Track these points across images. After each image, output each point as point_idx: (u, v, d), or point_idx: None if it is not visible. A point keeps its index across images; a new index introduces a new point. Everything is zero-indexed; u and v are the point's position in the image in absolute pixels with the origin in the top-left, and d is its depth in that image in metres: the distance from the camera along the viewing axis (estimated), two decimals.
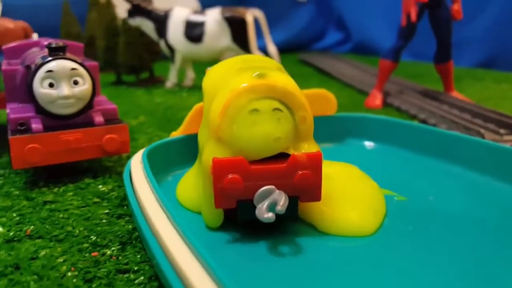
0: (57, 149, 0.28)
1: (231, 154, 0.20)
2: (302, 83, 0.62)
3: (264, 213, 0.19)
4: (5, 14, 0.69)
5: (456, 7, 0.50)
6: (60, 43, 0.29)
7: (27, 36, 0.56)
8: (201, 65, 0.71)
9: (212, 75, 0.25)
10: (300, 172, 0.20)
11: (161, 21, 0.65)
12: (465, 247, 0.20)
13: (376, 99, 0.53)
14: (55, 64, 0.27)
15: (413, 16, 0.49)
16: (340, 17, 1.21)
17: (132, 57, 0.67)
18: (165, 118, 0.48)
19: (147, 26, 0.66)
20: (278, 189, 0.20)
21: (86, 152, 0.29)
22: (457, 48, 0.90)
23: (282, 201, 0.19)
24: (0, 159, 0.34)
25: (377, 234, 0.22)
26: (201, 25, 0.64)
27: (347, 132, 0.37)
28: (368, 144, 0.37)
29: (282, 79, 0.21)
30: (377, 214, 0.23)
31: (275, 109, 0.21)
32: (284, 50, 1.13)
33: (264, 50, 0.68)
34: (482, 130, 0.37)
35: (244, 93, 0.20)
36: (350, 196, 0.24)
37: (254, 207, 0.20)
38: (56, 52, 0.28)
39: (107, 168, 0.32)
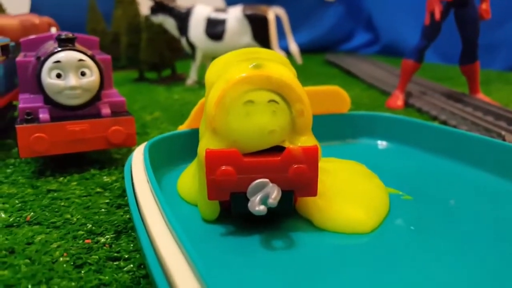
0: (63, 139, 0.28)
1: (226, 146, 0.20)
2: (326, 83, 0.61)
3: (256, 206, 0.19)
4: (34, 10, 0.72)
5: (485, 6, 0.48)
6: (70, 34, 0.29)
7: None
8: None
9: (214, 66, 0.24)
10: (295, 166, 0.20)
11: (183, 18, 0.66)
12: (468, 249, 0.19)
13: (398, 99, 0.51)
14: (63, 55, 0.28)
15: (437, 15, 0.47)
16: (369, 18, 1.19)
17: (154, 54, 0.68)
18: (180, 113, 0.48)
19: (169, 23, 0.67)
20: (273, 182, 0.20)
21: (92, 143, 0.29)
22: (488, 51, 0.87)
23: (274, 194, 0.19)
24: (14, 149, 0.34)
25: (376, 232, 0.21)
26: (222, 22, 0.64)
27: (360, 130, 0.36)
28: (381, 143, 0.36)
29: (279, 71, 0.21)
30: (378, 212, 0.22)
31: (271, 100, 0.20)
32: (311, 50, 1.12)
33: (286, 49, 0.67)
34: (503, 132, 0.35)
35: (239, 84, 0.20)
36: (350, 193, 0.23)
37: (248, 200, 0.19)
38: (65, 43, 0.29)
39: (115, 160, 0.32)
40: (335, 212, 0.22)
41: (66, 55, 0.28)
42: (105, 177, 0.29)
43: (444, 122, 0.43)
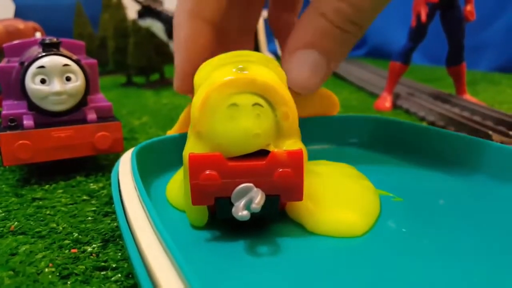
0: (48, 146, 0.27)
1: (210, 149, 0.20)
2: None
3: (239, 211, 0.18)
4: (19, 15, 0.71)
5: (469, 8, 0.49)
6: (54, 39, 0.28)
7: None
8: None
9: (202, 70, 0.24)
10: (280, 170, 0.19)
11: (171, 22, 0.65)
12: (460, 250, 0.19)
13: (386, 101, 0.52)
14: (47, 60, 0.27)
15: (423, 17, 0.47)
16: None
17: (141, 58, 0.68)
18: (169, 118, 0.47)
19: (157, 27, 0.67)
20: (257, 187, 0.19)
21: (78, 150, 0.28)
22: (474, 52, 0.88)
23: (257, 199, 0.18)
24: None
25: (368, 235, 0.21)
26: None
27: (350, 132, 0.36)
28: (370, 145, 0.35)
29: (264, 74, 0.20)
30: (369, 215, 0.22)
31: (255, 104, 0.20)
32: None
33: (275, 53, 0.68)
34: (490, 132, 0.35)
35: (223, 87, 0.20)
36: (341, 195, 0.23)
37: (232, 205, 0.19)
38: (49, 48, 0.28)
39: (102, 166, 0.32)
40: (326, 216, 0.21)
41: (51, 60, 0.27)
42: (91, 184, 0.28)
43: (432, 123, 0.43)
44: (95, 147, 0.29)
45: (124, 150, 0.31)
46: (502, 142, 0.34)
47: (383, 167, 0.31)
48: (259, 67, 0.21)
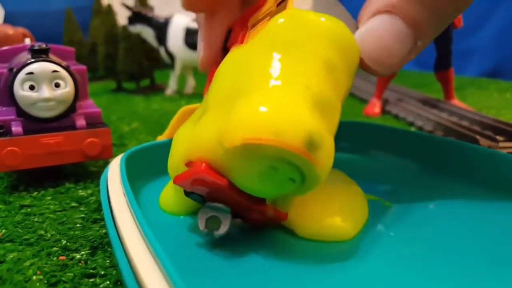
0: (36, 152, 0.27)
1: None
2: None
3: (202, 225, 0.19)
4: (9, 21, 0.70)
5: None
6: (43, 45, 0.28)
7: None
8: (202, 73, 0.71)
9: (240, 55, 0.21)
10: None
11: (161, 28, 0.66)
12: (447, 255, 0.19)
13: (375, 107, 0.52)
14: (36, 66, 0.27)
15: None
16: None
17: (132, 64, 0.68)
18: (159, 124, 0.47)
19: (147, 33, 0.66)
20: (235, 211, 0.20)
21: (67, 156, 0.28)
22: (462, 58, 0.89)
23: (221, 229, 0.19)
24: None
25: (356, 240, 0.21)
26: None
27: (339, 138, 0.36)
28: (360, 150, 0.36)
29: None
30: (357, 219, 0.22)
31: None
32: None
33: None
34: (477, 137, 0.36)
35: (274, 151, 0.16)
36: (330, 200, 0.23)
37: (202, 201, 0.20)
38: (38, 54, 0.28)
39: (91, 173, 0.31)
40: (315, 220, 0.22)
41: (40, 66, 0.27)
42: (80, 190, 0.28)
43: (421, 128, 0.44)
44: (84, 153, 0.28)
45: (113, 156, 0.31)
46: (489, 147, 0.35)
47: (372, 172, 0.31)
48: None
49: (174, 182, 0.20)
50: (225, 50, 0.25)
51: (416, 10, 0.19)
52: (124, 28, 0.67)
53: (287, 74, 0.18)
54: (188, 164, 0.20)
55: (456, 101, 0.53)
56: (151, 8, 0.69)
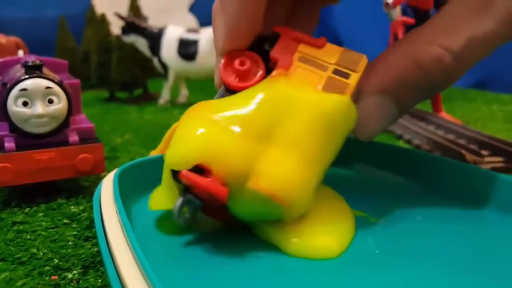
0: (29, 168, 0.28)
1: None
2: None
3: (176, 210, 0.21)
4: (1, 29, 0.70)
5: None
6: (37, 61, 0.29)
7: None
8: (195, 83, 0.72)
9: (288, 98, 0.22)
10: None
11: (154, 38, 0.66)
12: (433, 273, 0.20)
13: None
14: (30, 83, 0.28)
15: (400, 36, 0.49)
16: (336, 36, 1.22)
17: (125, 74, 0.68)
18: (152, 135, 0.48)
19: (141, 43, 0.67)
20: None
21: (59, 172, 0.29)
22: None
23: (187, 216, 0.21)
24: None
25: (342, 257, 0.21)
26: (194, 43, 0.64)
27: None
28: (348, 164, 0.36)
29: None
30: (343, 237, 0.23)
31: None
32: None
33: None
34: (463, 151, 0.37)
35: None
36: (316, 217, 0.24)
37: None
38: (32, 70, 0.28)
39: (83, 188, 0.32)
40: (301, 238, 0.22)
41: (33, 83, 0.28)
42: (72, 206, 0.28)
43: (409, 141, 0.45)
44: (77, 169, 0.29)
45: (106, 169, 0.31)
46: (475, 162, 0.35)
47: (360, 186, 0.32)
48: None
49: (181, 176, 0.20)
50: (261, 51, 0.24)
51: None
52: (118, 37, 0.68)
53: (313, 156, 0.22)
54: (201, 167, 0.20)
55: (443, 114, 0.54)
56: (144, 18, 0.69)
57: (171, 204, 0.22)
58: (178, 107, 0.66)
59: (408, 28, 0.50)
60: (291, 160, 0.21)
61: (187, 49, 0.64)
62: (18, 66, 0.34)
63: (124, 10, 0.73)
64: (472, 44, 0.21)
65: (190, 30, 0.66)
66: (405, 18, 0.48)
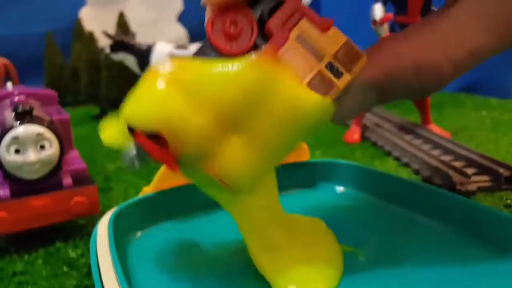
0: (25, 215, 0.28)
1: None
2: None
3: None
4: None
5: None
6: (27, 106, 0.29)
7: (8, 73, 0.57)
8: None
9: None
10: None
11: (143, 55, 0.66)
12: None
13: (355, 133, 0.54)
14: (21, 131, 0.28)
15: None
16: None
17: (115, 92, 0.68)
18: None
19: (130, 61, 0.67)
20: None
21: (55, 216, 0.29)
22: None
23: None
24: None
25: None
26: None
27: (320, 176, 0.38)
28: (339, 188, 0.37)
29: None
30: (331, 279, 0.23)
31: None
32: None
33: None
34: (450, 173, 0.37)
35: None
36: (305, 259, 0.24)
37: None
38: (22, 116, 0.29)
39: (79, 227, 0.32)
40: (290, 280, 0.23)
41: (25, 131, 0.28)
42: (70, 250, 0.29)
43: (398, 158, 0.46)
44: (72, 212, 0.29)
45: (100, 207, 0.31)
46: (461, 183, 0.36)
47: (348, 214, 0.33)
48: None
49: (136, 138, 0.20)
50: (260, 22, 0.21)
51: (391, 90, 0.22)
52: (107, 56, 0.68)
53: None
54: (158, 134, 0.19)
55: (432, 126, 0.54)
56: (133, 35, 0.69)
57: (123, 140, 0.22)
58: None
59: None
60: (251, 154, 0.21)
61: None
62: (7, 103, 0.34)
63: (111, 24, 0.73)
64: (472, 56, 0.21)
65: (179, 46, 0.67)
66: None
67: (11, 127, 0.28)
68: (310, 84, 0.20)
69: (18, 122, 0.28)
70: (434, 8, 0.53)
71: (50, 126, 0.30)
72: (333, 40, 0.21)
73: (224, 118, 0.20)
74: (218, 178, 0.21)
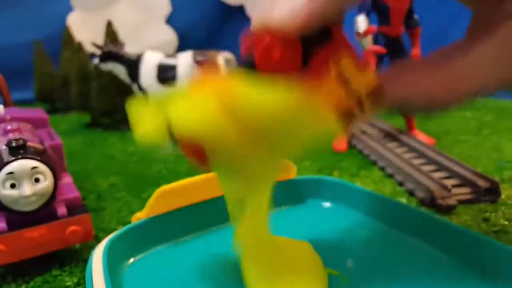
0: (22, 246, 0.29)
1: None
2: None
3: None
4: None
5: (415, 51, 0.53)
6: (20, 141, 0.30)
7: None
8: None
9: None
10: None
11: (133, 65, 0.67)
12: None
13: (342, 142, 0.55)
14: (16, 166, 0.29)
15: (372, 66, 0.51)
16: None
17: (106, 102, 0.69)
18: (137, 174, 0.49)
19: (119, 70, 0.67)
20: None
21: (50, 245, 0.30)
22: None
23: None
24: None
25: None
26: (173, 68, 0.65)
27: (307, 193, 0.39)
28: (326, 204, 0.39)
29: None
30: None
31: None
32: None
33: None
34: (432, 187, 0.39)
35: None
36: (292, 281, 0.26)
37: None
38: (16, 151, 0.29)
39: (74, 253, 0.33)
40: None
41: (20, 165, 0.29)
42: (67, 278, 0.30)
43: (383, 169, 0.47)
44: (67, 241, 0.30)
45: (93, 224, 0.32)
46: (442, 198, 0.38)
47: (334, 231, 0.34)
48: None
49: (182, 147, 0.24)
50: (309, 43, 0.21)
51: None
52: (96, 66, 0.68)
53: None
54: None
55: (416, 132, 0.56)
56: (121, 44, 0.70)
57: (159, 138, 0.23)
58: None
59: (379, 56, 0.52)
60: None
61: (166, 74, 0.65)
62: (0, 134, 0.35)
63: (99, 32, 0.73)
64: (476, 95, 0.23)
65: (168, 56, 0.67)
66: (377, 48, 0.50)
67: (6, 163, 0.29)
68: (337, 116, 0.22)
69: (13, 157, 0.29)
70: (415, 16, 0.54)
71: (44, 158, 0.31)
72: (367, 79, 0.22)
73: (255, 137, 0.22)
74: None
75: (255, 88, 0.21)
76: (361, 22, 0.51)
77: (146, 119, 0.24)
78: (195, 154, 0.23)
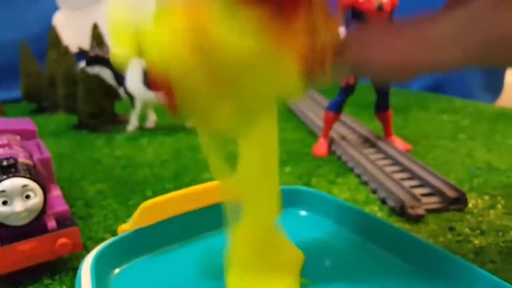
0: (13, 259, 0.31)
1: None
2: None
3: None
4: None
5: None
6: (11, 160, 0.31)
7: None
8: (163, 108, 0.73)
9: None
10: None
11: (119, 68, 0.68)
12: None
13: (322, 147, 0.57)
14: (8, 184, 0.30)
15: (351, 80, 0.53)
16: None
17: (92, 105, 0.70)
18: (123, 180, 0.51)
19: (106, 74, 0.69)
20: None
21: (41, 257, 0.32)
22: None
23: None
24: None
25: None
26: None
27: (286, 202, 0.41)
28: (302, 213, 0.41)
29: None
30: None
31: None
32: None
33: None
34: (402, 196, 0.41)
35: None
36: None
37: None
38: (7, 170, 0.31)
39: (65, 262, 0.35)
40: None
41: (11, 184, 0.30)
42: (58, 287, 0.32)
43: (359, 176, 0.49)
44: (56, 253, 0.32)
45: (81, 232, 0.34)
46: (412, 207, 0.40)
47: (308, 239, 0.36)
48: None
49: (154, 88, 0.23)
50: None
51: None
52: (83, 70, 0.69)
53: None
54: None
55: (393, 138, 0.59)
56: (108, 48, 0.70)
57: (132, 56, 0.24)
58: (146, 135, 0.68)
59: None
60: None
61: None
62: None
63: (85, 31, 0.73)
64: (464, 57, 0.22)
65: None
66: None
67: None
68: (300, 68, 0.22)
69: (4, 176, 0.31)
70: None
71: (34, 175, 0.32)
72: (334, 32, 0.23)
73: (219, 77, 0.22)
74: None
75: (226, 25, 0.21)
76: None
77: (124, 38, 0.26)
78: (164, 92, 0.22)
